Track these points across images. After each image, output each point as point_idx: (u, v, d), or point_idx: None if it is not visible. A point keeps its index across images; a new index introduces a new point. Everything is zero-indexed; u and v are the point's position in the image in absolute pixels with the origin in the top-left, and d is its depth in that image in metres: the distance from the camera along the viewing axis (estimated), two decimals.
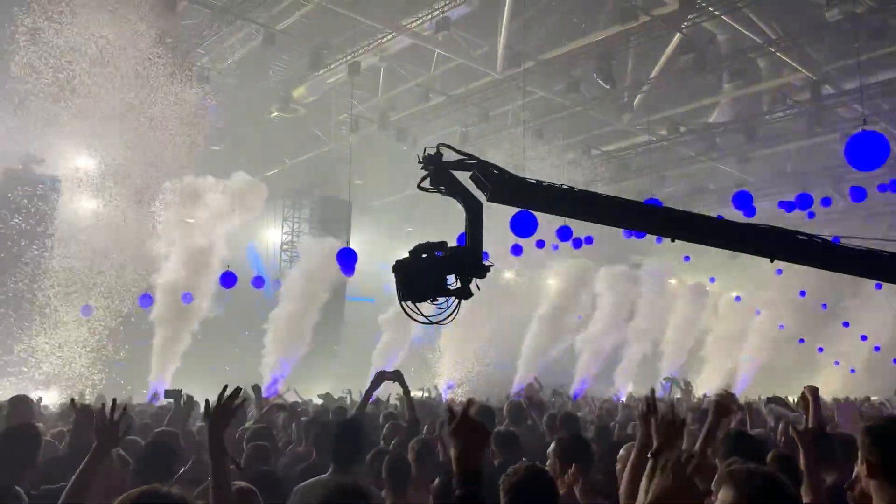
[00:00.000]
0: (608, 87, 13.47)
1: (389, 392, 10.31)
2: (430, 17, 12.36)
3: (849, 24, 11.13)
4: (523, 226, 10.63)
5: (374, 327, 18.58)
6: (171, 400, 7.30)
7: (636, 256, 22.64)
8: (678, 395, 15.07)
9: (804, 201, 14.38)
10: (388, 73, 15.17)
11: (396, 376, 5.85)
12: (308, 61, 13.77)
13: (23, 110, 11.80)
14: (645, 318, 21.10)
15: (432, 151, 2.57)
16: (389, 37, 13.21)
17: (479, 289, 2.52)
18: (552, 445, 3.80)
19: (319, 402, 11.65)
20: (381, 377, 5.91)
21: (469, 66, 14.22)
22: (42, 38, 11.38)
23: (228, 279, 14.41)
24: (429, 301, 2.50)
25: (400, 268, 2.51)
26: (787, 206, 15.32)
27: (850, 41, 11.55)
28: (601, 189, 18.26)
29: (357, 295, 20.84)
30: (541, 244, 15.48)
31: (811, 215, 15.93)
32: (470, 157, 2.59)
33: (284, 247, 20.84)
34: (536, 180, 2.63)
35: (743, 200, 13.46)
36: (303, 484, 3.95)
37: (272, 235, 21.36)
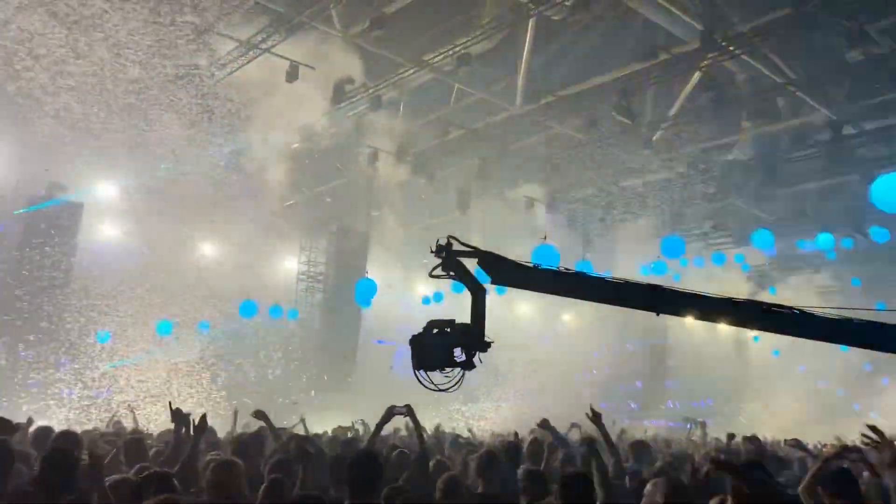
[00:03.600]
0: (628, 123, 13.51)
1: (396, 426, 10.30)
2: (451, 52, 12.51)
3: (870, 65, 11.12)
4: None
5: (388, 359, 18.56)
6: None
7: None
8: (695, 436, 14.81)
9: (824, 241, 14.35)
10: (407, 106, 15.33)
11: (408, 411, 5.84)
12: (332, 95, 13.94)
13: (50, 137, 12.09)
14: None
15: (443, 243, 2.99)
16: (411, 72, 13.38)
17: (481, 362, 2.89)
18: None
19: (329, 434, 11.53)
20: (391, 411, 5.89)
21: (488, 100, 14.35)
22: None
23: (248, 308, 14.50)
24: (438, 371, 2.85)
25: (415, 341, 2.89)
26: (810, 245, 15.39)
27: (872, 81, 11.53)
28: (619, 223, 18.34)
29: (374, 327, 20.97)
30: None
31: (831, 255, 15.80)
32: (476, 249, 3.02)
33: (301, 276, 20.93)
34: (535, 264, 3.03)
35: (763, 239, 13.71)
36: None
37: (290, 264, 21.52)
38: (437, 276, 2.96)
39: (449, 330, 2.88)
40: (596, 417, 5.70)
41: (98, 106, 12.85)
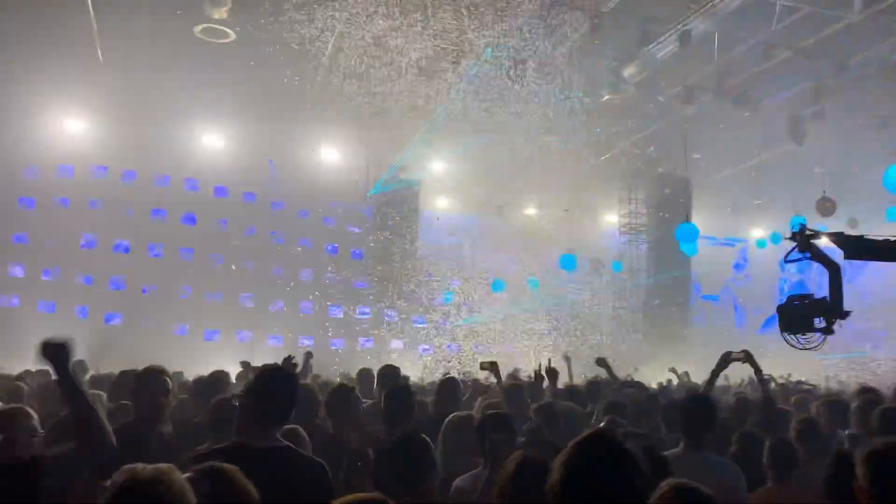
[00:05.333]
0: None
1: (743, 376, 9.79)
2: None
3: None
4: None
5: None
6: None
7: None
8: None
9: None
10: (722, 36, 14.16)
11: (746, 356, 5.50)
12: (636, 38, 13.49)
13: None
14: None
15: (795, 230, 3.58)
16: None
17: (840, 327, 3.47)
18: None
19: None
20: (728, 357, 5.60)
21: (819, 12, 12.65)
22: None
23: (568, 262, 15.05)
24: (803, 333, 3.51)
25: (781, 309, 3.61)
26: None
27: None
28: None
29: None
30: None
31: None
32: (826, 233, 3.53)
33: (622, 229, 20.81)
34: (885, 238, 3.38)
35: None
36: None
37: (611, 218, 21.55)
38: (793, 260, 3.57)
39: (807, 302, 3.52)
40: None
41: (424, 95, 14.20)
